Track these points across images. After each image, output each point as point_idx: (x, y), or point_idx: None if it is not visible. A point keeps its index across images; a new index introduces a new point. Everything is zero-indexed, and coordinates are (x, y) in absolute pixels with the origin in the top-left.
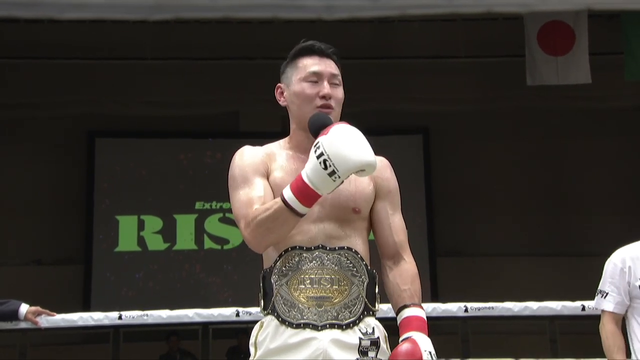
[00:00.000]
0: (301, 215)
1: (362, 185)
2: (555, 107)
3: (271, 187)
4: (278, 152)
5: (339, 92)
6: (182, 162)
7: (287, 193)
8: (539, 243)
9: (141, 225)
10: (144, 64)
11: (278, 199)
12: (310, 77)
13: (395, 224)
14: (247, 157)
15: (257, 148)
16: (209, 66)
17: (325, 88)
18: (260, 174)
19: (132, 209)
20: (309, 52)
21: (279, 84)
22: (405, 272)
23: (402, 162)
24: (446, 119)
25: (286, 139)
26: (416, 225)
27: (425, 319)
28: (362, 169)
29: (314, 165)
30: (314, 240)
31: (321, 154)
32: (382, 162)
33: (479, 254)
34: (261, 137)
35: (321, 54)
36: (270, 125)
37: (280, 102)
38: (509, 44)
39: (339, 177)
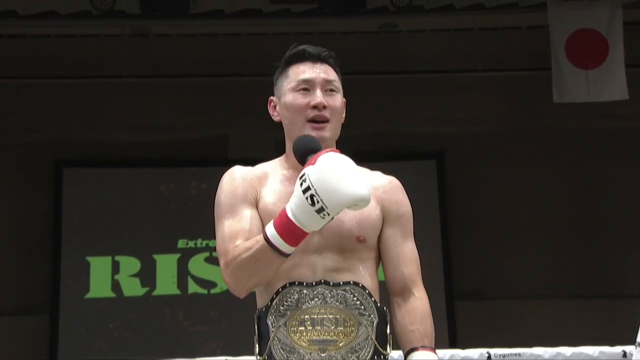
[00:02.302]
0: (286, 255)
1: (367, 210)
2: (586, 127)
3: (261, 215)
4: (272, 173)
5: (336, 100)
6: (163, 194)
7: (270, 230)
8: (570, 283)
9: (115, 268)
10: (118, 83)
11: (260, 237)
12: (300, 85)
13: (405, 254)
14: (235, 180)
15: (248, 169)
16: (193, 84)
17: (317, 97)
18: (248, 202)
19: (105, 249)
20: (300, 58)
21: (271, 97)
22: (414, 310)
23: (414, 192)
24: (463, 141)
25: (282, 157)
26: (431, 262)
27: None
28: (354, 204)
29: (299, 200)
30: (315, 273)
31: (308, 188)
32: (391, 184)
33: (501, 294)
34: (253, 165)
35: (314, 59)
36: (262, 151)
37: (274, 117)
38: (533, 56)
39: (328, 214)
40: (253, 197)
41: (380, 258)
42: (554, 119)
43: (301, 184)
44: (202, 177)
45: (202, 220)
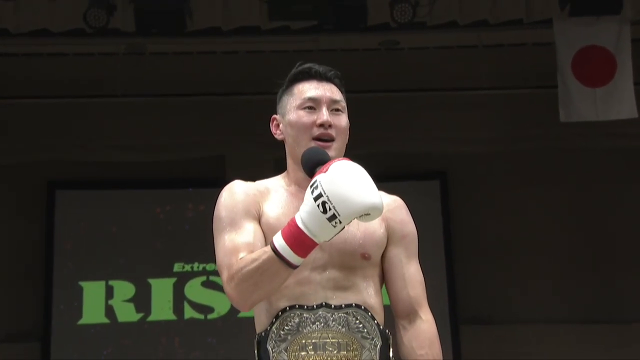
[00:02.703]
0: (294, 267)
1: (371, 227)
2: (595, 147)
3: (264, 230)
4: (274, 188)
5: (342, 120)
6: (159, 216)
7: (279, 241)
8: (578, 307)
9: (109, 293)
10: (113, 102)
11: (268, 248)
12: (306, 103)
13: (410, 275)
14: (236, 194)
15: (250, 184)
16: (189, 103)
17: (324, 115)
18: (250, 215)
19: (98, 273)
20: (306, 76)
21: (274, 116)
22: (422, 333)
23: (416, 213)
24: (467, 161)
25: (283, 174)
26: (435, 286)
27: None
28: (366, 213)
29: (310, 208)
30: (316, 294)
31: (320, 195)
32: (395, 202)
33: (507, 319)
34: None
35: (320, 77)
36: (261, 171)
37: (276, 136)
38: (539, 74)
39: (340, 222)
40: (256, 210)
41: (384, 277)
42: (561, 139)
43: (312, 192)
44: (198, 198)
45: (199, 243)
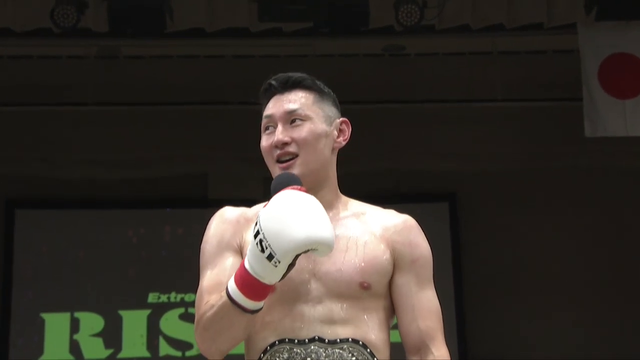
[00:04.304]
0: (252, 312)
1: (373, 252)
2: (623, 166)
3: None
4: None
5: (302, 131)
6: (132, 240)
7: (231, 284)
8: (602, 346)
9: (75, 326)
10: (82, 111)
11: (224, 292)
12: (266, 124)
13: (421, 305)
14: (221, 224)
15: (240, 211)
16: (168, 113)
17: (276, 134)
18: (231, 249)
19: (63, 304)
20: (267, 93)
21: None
22: None
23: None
24: (479, 181)
25: None
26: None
27: None
28: (312, 249)
29: (252, 247)
30: (308, 328)
31: (257, 232)
32: (405, 223)
33: (522, 359)
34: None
35: (281, 89)
36: (249, 190)
37: None
38: (561, 84)
39: (279, 261)
40: (238, 243)
41: (393, 309)
42: (585, 157)
43: (254, 228)
44: (177, 220)
45: (177, 271)
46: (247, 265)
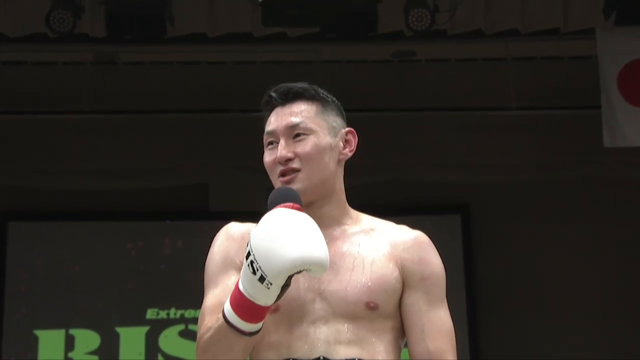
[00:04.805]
0: (250, 334)
1: (381, 270)
2: None
3: None
4: None
5: (306, 146)
6: (130, 253)
7: (227, 306)
8: None
9: (70, 343)
10: (78, 120)
11: (220, 314)
12: (267, 140)
13: (431, 325)
14: (225, 242)
15: (246, 227)
16: (168, 122)
17: (279, 150)
18: (236, 268)
19: (57, 320)
20: (269, 106)
21: None
22: None
23: None
24: (493, 193)
25: None
26: None
27: None
28: (305, 269)
29: (244, 269)
30: (312, 348)
31: (249, 253)
32: (415, 240)
33: None
34: (238, 220)
35: (282, 101)
36: (251, 202)
37: None
38: (578, 92)
39: (270, 283)
40: (242, 261)
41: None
42: (604, 167)
43: (246, 249)
44: (177, 232)
45: (177, 286)
46: (240, 287)
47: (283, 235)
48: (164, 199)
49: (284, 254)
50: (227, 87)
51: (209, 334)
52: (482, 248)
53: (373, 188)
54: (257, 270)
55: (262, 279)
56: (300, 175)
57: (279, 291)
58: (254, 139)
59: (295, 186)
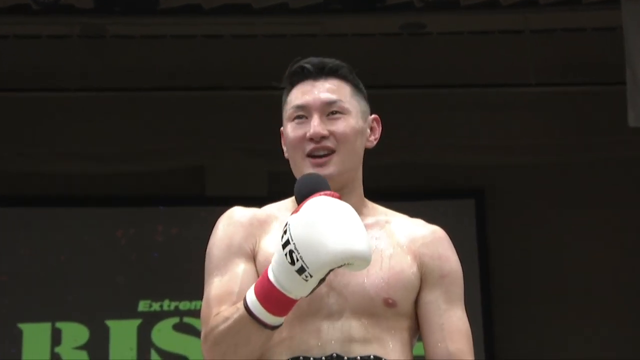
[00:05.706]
0: (272, 328)
1: (399, 265)
2: None
3: (260, 271)
4: (279, 216)
5: (341, 125)
6: (120, 241)
7: (250, 296)
8: None
9: (56, 338)
10: (64, 98)
11: (241, 304)
12: (295, 113)
13: (450, 325)
14: (231, 226)
15: (251, 212)
16: (160, 100)
17: (312, 126)
18: (243, 254)
19: (43, 313)
20: (299, 76)
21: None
22: None
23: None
24: (509, 175)
25: (291, 198)
26: None
27: None
28: (347, 263)
29: (279, 258)
30: (325, 345)
31: (287, 242)
32: (434, 235)
33: None
34: (237, 204)
35: (315, 75)
36: (251, 186)
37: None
38: (601, 67)
39: (311, 275)
40: (250, 247)
41: (418, 329)
42: (629, 148)
43: (282, 237)
44: (171, 219)
45: (171, 276)
46: (271, 277)
47: (329, 225)
48: (157, 183)
49: (331, 246)
50: (224, 63)
51: (225, 325)
52: (498, 235)
53: (379, 171)
54: (297, 260)
55: (301, 271)
56: (335, 157)
57: (317, 284)
58: (254, 119)
59: (328, 170)
